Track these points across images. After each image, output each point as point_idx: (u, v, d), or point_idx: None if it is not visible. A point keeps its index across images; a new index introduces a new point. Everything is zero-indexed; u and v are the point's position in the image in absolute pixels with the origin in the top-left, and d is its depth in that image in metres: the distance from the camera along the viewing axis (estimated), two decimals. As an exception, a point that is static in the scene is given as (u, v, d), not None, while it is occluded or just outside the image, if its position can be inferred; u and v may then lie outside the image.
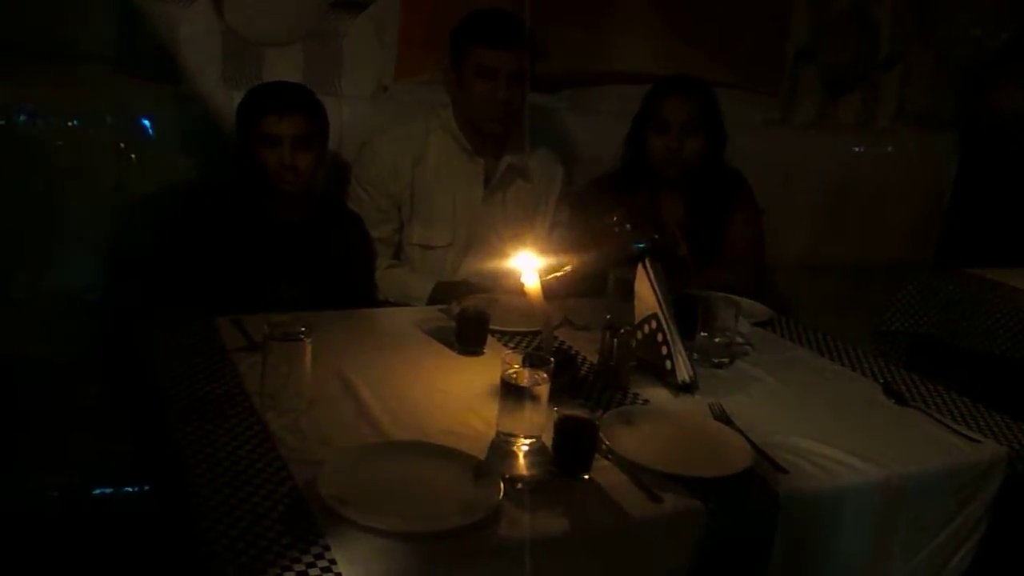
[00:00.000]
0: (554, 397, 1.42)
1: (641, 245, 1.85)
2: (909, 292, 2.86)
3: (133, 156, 2.35)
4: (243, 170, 2.18)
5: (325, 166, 2.29)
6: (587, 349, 1.83)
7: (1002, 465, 1.58)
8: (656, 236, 2.03)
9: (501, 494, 1.23)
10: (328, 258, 2.21)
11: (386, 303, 2.34)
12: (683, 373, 1.68)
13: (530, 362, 1.38)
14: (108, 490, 2.43)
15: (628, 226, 1.94)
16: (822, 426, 1.60)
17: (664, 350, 1.70)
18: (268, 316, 1.54)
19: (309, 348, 1.47)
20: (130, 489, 2.44)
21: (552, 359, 1.39)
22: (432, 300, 2.28)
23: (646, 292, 1.74)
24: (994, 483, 1.58)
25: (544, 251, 1.67)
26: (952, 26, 3.47)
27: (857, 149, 3.46)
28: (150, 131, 2.38)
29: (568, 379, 1.62)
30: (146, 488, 2.40)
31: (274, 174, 2.12)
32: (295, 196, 2.17)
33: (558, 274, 1.78)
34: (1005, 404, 1.76)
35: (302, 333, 1.46)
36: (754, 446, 1.46)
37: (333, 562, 1.10)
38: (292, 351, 1.46)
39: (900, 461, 1.51)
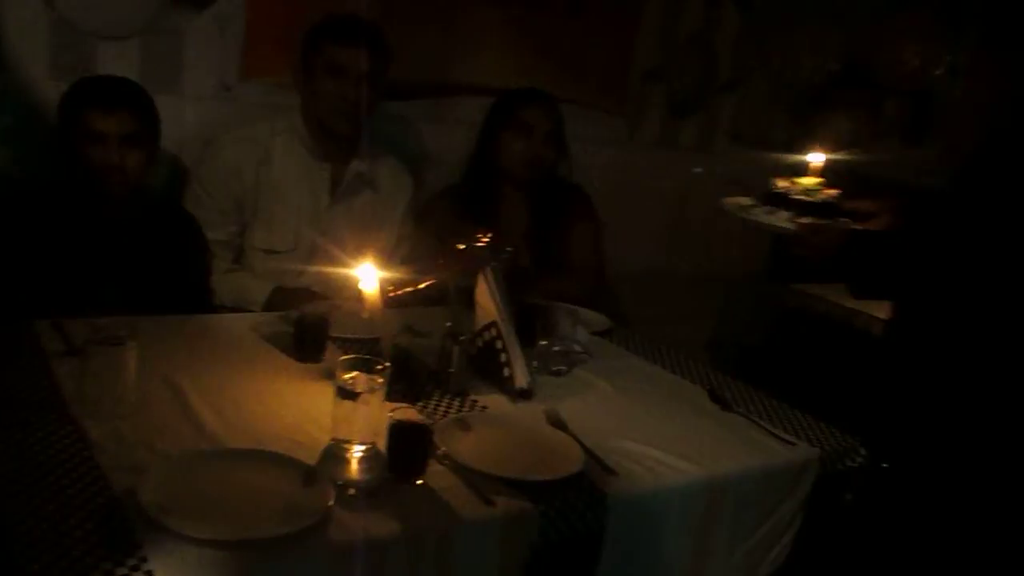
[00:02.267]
0: (392, 403, 1.42)
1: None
2: (738, 305, 3.02)
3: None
4: (68, 167, 2.06)
5: (157, 165, 2.19)
6: (427, 356, 1.83)
7: (814, 465, 1.69)
8: (510, 249, 2.07)
9: (332, 500, 1.22)
10: (158, 260, 2.12)
11: (222, 308, 2.27)
12: (521, 380, 1.72)
13: (366, 368, 1.38)
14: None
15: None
16: (651, 430, 1.66)
17: (503, 357, 1.73)
18: (91, 320, 1.47)
19: (134, 353, 1.41)
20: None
21: (388, 364, 1.39)
22: (270, 305, 2.23)
23: (486, 300, 1.77)
24: (807, 482, 1.68)
25: (389, 263, 1.67)
26: (787, 56, 3.70)
27: (697, 169, 3.63)
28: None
29: (406, 385, 1.63)
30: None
31: (100, 173, 2.01)
32: (124, 195, 2.08)
33: (413, 289, 1.78)
34: (821, 409, 1.89)
35: (126, 337, 1.40)
36: (586, 449, 1.51)
37: (150, 573, 1.05)
38: (115, 356, 1.40)
39: (722, 463, 1.59)
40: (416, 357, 1.82)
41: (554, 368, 1.89)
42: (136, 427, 1.39)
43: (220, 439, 1.41)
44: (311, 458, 1.34)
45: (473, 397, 1.70)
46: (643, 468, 1.51)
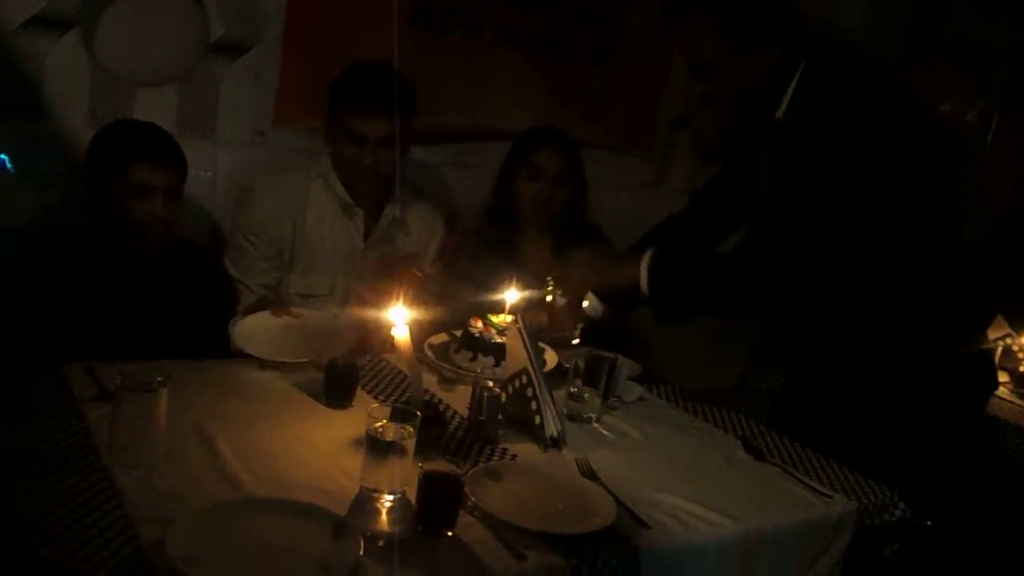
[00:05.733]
0: (422, 452, 1.41)
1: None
2: (767, 350, 2.97)
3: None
4: (105, 217, 2.08)
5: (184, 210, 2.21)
6: (457, 403, 1.82)
7: (851, 519, 1.65)
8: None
9: (361, 551, 1.20)
10: (186, 305, 2.12)
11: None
12: (551, 428, 1.69)
13: (397, 416, 1.37)
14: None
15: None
16: (684, 481, 1.63)
17: (533, 405, 1.71)
18: (122, 364, 1.47)
19: (165, 399, 1.41)
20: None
21: (419, 413, 1.38)
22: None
23: (517, 348, 1.75)
24: (844, 536, 1.64)
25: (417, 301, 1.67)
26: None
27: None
28: (9, 166, 2.26)
29: (436, 433, 1.61)
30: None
31: (142, 225, 2.04)
32: (159, 244, 2.10)
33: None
34: (856, 455, 1.84)
35: (158, 382, 1.40)
36: (618, 501, 1.47)
37: (177, 626, 1.04)
38: (146, 402, 1.39)
39: (757, 516, 1.55)
40: (446, 404, 1.81)
41: (586, 415, 1.86)
42: (165, 476, 1.38)
43: (247, 488, 1.39)
44: (339, 506, 1.33)
45: (503, 446, 1.68)
46: (676, 521, 1.48)
